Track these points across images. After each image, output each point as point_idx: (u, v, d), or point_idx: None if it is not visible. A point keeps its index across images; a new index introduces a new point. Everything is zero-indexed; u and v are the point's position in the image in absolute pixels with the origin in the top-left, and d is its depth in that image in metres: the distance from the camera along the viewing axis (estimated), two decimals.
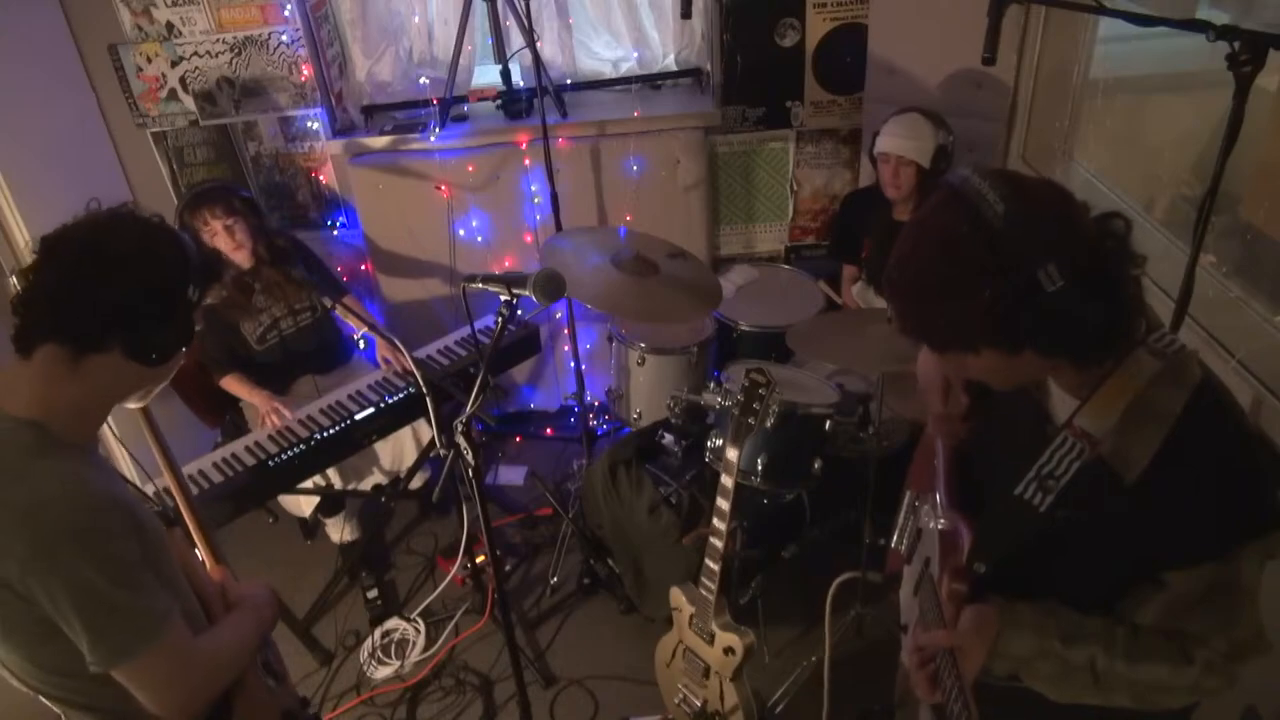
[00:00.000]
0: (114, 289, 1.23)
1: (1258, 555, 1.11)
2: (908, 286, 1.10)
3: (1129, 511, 1.13)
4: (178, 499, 1.70)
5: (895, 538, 1.56)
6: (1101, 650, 1.17)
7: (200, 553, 1.72)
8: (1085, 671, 1.18)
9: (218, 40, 3.06)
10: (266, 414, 2.73)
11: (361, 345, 3.27)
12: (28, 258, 2.67)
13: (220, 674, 1.36)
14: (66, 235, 1.26)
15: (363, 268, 3.52)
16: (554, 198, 2.94)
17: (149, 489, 2.11)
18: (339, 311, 2.97)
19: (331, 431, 2.66)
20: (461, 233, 3.34)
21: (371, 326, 2.83)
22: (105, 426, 1.34)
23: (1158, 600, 1.16)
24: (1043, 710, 1.25)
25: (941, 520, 1.39)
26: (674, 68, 3.36)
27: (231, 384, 2.85)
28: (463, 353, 2.94)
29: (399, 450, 3.05)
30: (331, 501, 3.04)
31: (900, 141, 2.65)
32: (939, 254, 1.05)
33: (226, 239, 2.71)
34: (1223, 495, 1.09)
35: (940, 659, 1.22)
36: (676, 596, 2.16)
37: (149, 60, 3.09)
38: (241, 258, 2.77)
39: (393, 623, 2.86)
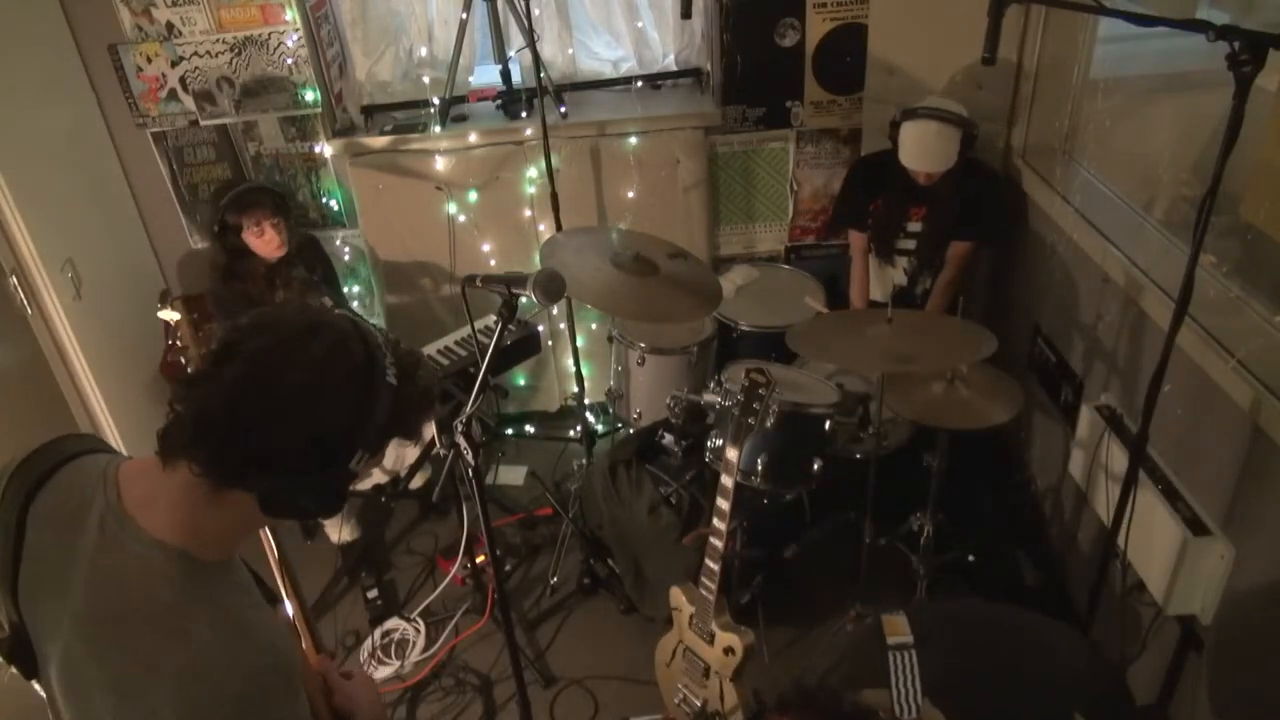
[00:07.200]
0: (267, 429, 1.02)
1: None
2: None
3: None
4: (279, 579, 1.57)
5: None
6: None
7: (303, 640, 1.60)
8: None
9: (218, 40, 3.06)
10: None
11: None
12: (28, 257, 2.72)
13: None
14: (246, 340, 1.04)
15: (363, 268, 3.52)
16: (554, 198, 2.94)
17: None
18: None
19: None
20: (461, 233, 3.34)
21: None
22: None
23: None
24: None
25: None
26: (674, 68, 3.36)
27: None
28: (463, 353, 2.93)
29: (399, 450, 3.05)
30: None
31: (931, 159, 2.68)
32: None
33: (273, 237, 2.80)
34: None
35: None
36: (676, 596, 2.16)
37: (149, 60, 3.09)
38: (271, 253, 2.84)
39: (393, 623, 2.86)
